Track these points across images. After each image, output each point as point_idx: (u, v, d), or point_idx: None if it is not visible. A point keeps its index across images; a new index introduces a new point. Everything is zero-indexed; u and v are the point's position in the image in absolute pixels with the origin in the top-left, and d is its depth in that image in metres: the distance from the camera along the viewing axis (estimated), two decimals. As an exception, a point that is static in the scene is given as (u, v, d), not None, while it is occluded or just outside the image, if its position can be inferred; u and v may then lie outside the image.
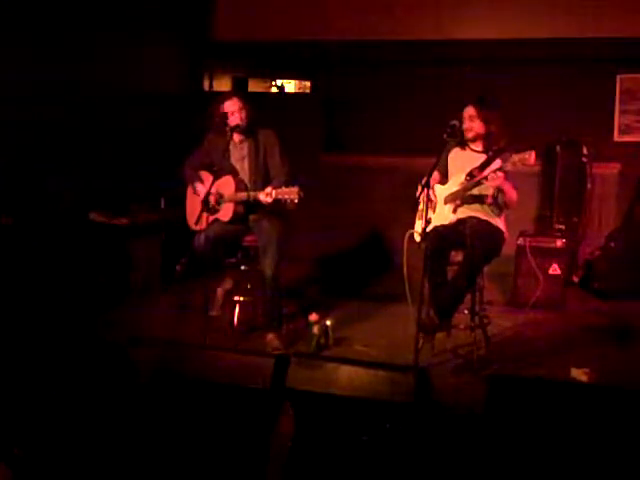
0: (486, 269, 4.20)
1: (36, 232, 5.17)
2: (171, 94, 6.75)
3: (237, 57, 7.59)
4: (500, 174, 3.97)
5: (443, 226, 4.21)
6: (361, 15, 6.69)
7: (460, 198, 4.21)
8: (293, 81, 8.72)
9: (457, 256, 4.20)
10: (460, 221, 4.22)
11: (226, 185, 4.48)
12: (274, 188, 4.24)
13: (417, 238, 4.21)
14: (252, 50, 7.24)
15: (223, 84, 7.76)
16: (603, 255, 5.82)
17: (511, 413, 2.77)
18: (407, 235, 4.20)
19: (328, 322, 4.53)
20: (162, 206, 6.12)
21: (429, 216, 3.90)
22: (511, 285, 5.53)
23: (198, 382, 3.10)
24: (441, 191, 4.32)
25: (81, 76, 5.69)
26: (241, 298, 4.67)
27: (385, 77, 6.86)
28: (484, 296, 4.30)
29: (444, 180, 4.38)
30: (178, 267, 5.13)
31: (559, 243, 5.45)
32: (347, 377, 2.98)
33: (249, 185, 4.51)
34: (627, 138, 6.40)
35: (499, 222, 4.22)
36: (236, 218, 4.48)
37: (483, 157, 4.19)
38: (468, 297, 4.19)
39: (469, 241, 4.04)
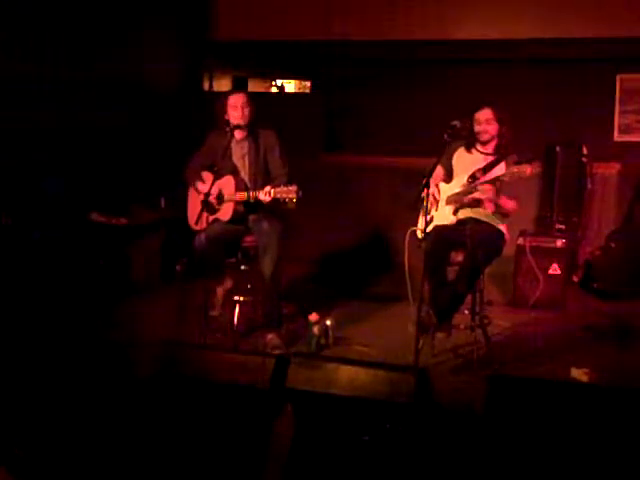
0: (486, 269, 4.20)
1: (36, 232, 5.17)
2: (171, 94, 6.75)
3: (237, 57, 7.59)
4: (488, 187, 3.99)
5: (444, 226, 4.21)
6: (361, 15, 6.69)
7: (460, 201, 4.21)
8: (293, 81, 8.73)
9: (457, 256, 4.20)
10: (461, 222, 4.22)
11: (226, 185, 4.48)
12: (273, 187, 4.25)
13: (419, 235, 4.21)
14: (252, 50, 7.24)
15: (223, 84, 7.77)
16: (603, 255, 5.82)
17: (511, 413, 2.77)
18: (408, 233, 4.19)
19: (328, 322, 4.53)
20: (162, 206, 6.12)
21: (431, 214, 3.90)
22: (511, 285, 5.53)
23: (198, 382, 3.10)
24: (445, 190, 4.32)
25: (81, 75, 5.69)
26: (241, 298, 4.67)
27: (385, 77, 6.86)
28: (484, 296, 4.30)
29: (448, 179, 4.38)
30: (178, 267, 5.14)
31: (559, 243, 5.45)
32: (347, 377, 2.98)
33: (249, 184, 4.51)
34: (627, 138, 6.40)
35: (500, 224, 4.22)
36: (236, 218, 4.48)
37: (487, 159, 4.19)
38: (468, 297, 4.20)
39: (470, 244, 4.04)
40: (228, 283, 4.75)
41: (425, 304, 4.04)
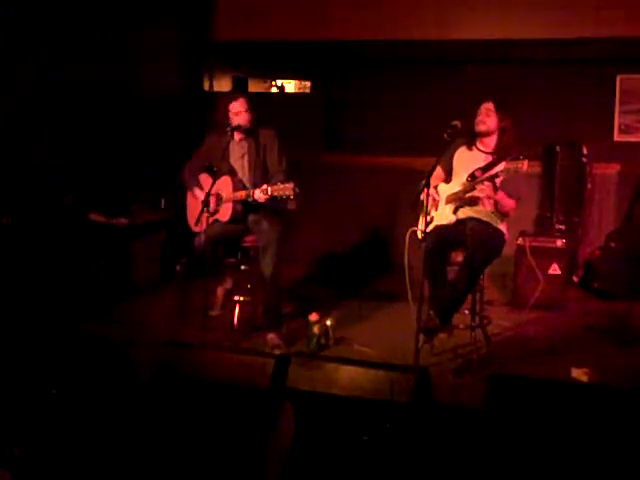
0: (486, 269, 4.20)
1: (36, 232, 5.17)
2: (171, 94, 6.74)
3: (237, 57, 7.59)
4: (487, 184, 3.98)
5: (444, 226, 4.21)
6: (361, 15, 6.69)
7: (460, 200, 4.21)
8: (293, 81, 8.72)
9: (457, 256, 4.20)
10: (460, 222, 4.22)
11: (224, 185, 4.48)
12: (269, 185, 4.25)
13: (420, 235, 4.21)
14: (252, 50, 7.24)
15: (223, 84, 7.75)
16: (603, 255, 5.82)
17: (511, 413, 2.77)
18: (409, 233, 4.19)
19: (328, 322, 4.53)
20: (162, 206, 6.12)
21: (431, 214, 3.89)
22: (511, 285, 5.53)
23: (198, 382, 3.10)
24: (444, 190, 4.32)
25: (81, 76, 5.68)
26: (241, 298, 4.67)
27: (385, 77, 6.86)
28: (484, 296, 4.31)
29: (448, 179, 4.38)
30: (178, 267, 5.14)
31: (559, 243, 5.45)
32: (347, 377, 2.98)
33: (248, 184, 4.51)
34: (627, 138, 6.40)
35: (500, 224, 4.22)
36: (235, 218, 4.48)
37: (488, 158, 4.19)
38: (468, 297, 4.19)
39: (470, 244, 4.04)
40: (228, 283, 4.75)
41: (425, 304, 4.03)
